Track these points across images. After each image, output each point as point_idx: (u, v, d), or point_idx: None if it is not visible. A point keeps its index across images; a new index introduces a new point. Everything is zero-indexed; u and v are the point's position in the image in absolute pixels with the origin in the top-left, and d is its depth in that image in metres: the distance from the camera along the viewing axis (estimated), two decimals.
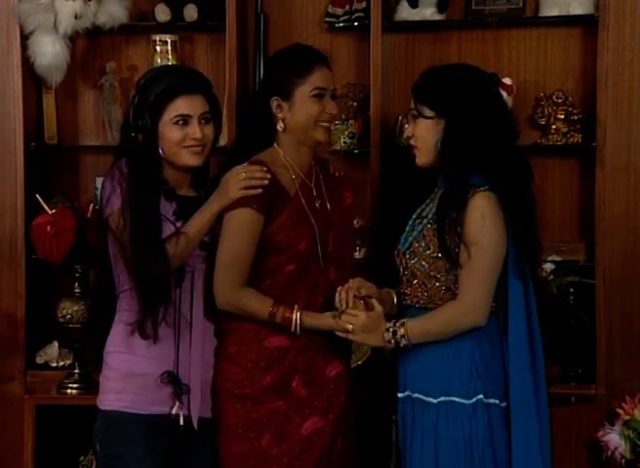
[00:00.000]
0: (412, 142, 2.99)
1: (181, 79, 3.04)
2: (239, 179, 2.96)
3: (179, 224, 2.98)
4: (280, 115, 3.07)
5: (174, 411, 2.94)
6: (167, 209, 3.00)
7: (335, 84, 4.03)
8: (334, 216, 3.13)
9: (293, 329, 2.99)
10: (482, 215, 2.85)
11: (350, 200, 3.22)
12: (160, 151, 2.99)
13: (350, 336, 2.95)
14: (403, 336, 2.92)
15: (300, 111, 3.06)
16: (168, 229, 2.97)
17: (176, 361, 2.97)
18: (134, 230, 2.89)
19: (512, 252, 2.89)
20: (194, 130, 2.99)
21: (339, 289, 3.00)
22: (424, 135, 2.94)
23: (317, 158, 3.21)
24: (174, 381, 2.95)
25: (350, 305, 2.96)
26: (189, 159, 3.02)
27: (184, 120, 2.98)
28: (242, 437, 3.00)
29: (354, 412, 3.17)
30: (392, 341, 2.93)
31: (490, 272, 2.88)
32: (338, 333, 2.96)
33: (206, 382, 3.03)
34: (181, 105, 2.97)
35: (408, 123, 3.04)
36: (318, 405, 3.02)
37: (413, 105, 2.97)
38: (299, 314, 2.98)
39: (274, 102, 3.07)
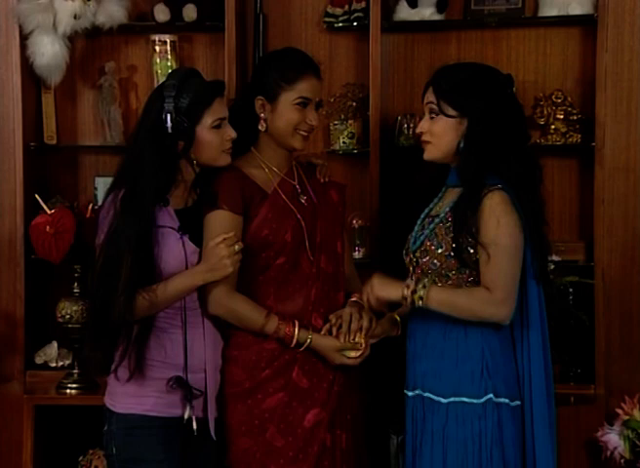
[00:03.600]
0: (424, 138, 2.98)
1: (211, 82, 3.05)
2: (223, 260, 2.91)
3: (185, 237, 2.97)
4: (262, 115, 3.09)
5: (186, 416, 2.92)
6: (167, 218, 2.97)
7: (334, 84, 4.10)
8: (321, 209, 3.14)
9: (292, 345, 3.02)
10: (496, 214, 2.84)
11: (336, 197, 3.22)
12: (192, 155, 2.97)
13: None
14: (421, 298, 2.87)
15: (281, 116, 3.08)
16: (174, 239, 2.95)
17: (186, 365, 2.95)
18: (103, 276, 2.88)
19: (528, 253, 2.89)
20: (229, 131, 3.00)
21: (331, 316, 3.06)
22: (443, 133, 2.93)
23: (304, 163, 3.22)
24: (183, 386, 2.93)
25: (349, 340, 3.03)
26: (226, 160, 3.03)
27: (220, 123, 2.98)
28: (246, 432, 3.02)
29: (361, 411, 3.17)
30: (408, 298, 2.89)
31: (512, 269, 2.86)
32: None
33: (217, 384, 3.04)
34: (218, 109, 2.98)
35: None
36: (318, 396, 3.04)
37: (433, 102, 2.94)
38: (308, 336, 3.02)
39: (258, 102, 3.09)
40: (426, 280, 2.91)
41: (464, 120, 2.90)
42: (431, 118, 2.95)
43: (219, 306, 3.00)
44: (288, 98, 3.06)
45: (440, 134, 2.94)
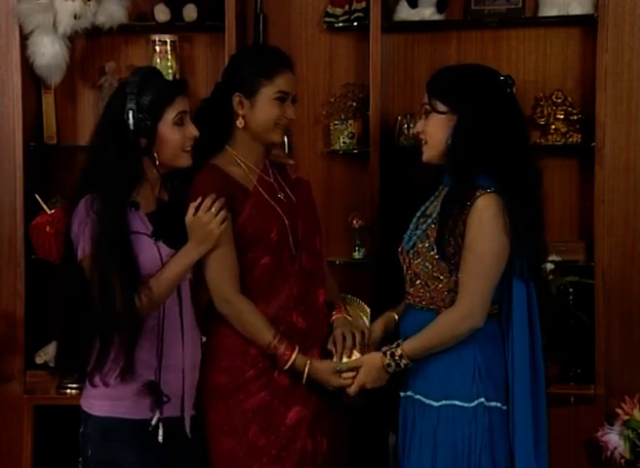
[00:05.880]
0: (421, 137, 2.98)
1: (173, 80, 3.04)
2: (207, 227, 2.93)
3: (159, 243, 2.94)
4: (241, 112, 3.08)
5: (153, 422, 2.90)
6: (139, 223, 2.93)
7: (334, 84, 4.11)
8: (299, 206, 3.14)
9: (285, 368, 3.00)
10: (481, 220, 2.83)
11: (307, 192, 3.22)
12: (155, 154, 2.95)
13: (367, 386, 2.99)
14: (401, 357, 2.92)
15: (260, 112, 3.07)
16: (148, 244, 2.92)
17: (159, 367, 2.93)
18: (103, 284, 2.83)
19: (516, 255, 2.87)
20: (191, 128, 2.98)
21: (330, 338, 3.07)
22: (435, 129, 2.93)
23: (275, 162, 3.21)
24: (153, 391, 2.91)
25: (345, 360, 3.02)
26: (186, 161, 3.00)
27: (182, 119, 2.97)
28: (229, 433, 3.01)
29: (344, 417, 3.17)
30: (393, 364, 2.93)
31: (485, 276, 2.86)
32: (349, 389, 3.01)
33: (195, 385, 3.03)
34: (180, 105, 2.96)
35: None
36: (300, 394, 3.03)
37: (426, 100, 2.95)
38: (306, 362, 3.01)
39: (236, 98, 3.07)
40: (398, 341, 2.95)
41: (454, 116, 2.89)
42: (426, 117, 2.96)
43: (229, 307, 3.00)
44: (267, 93, 3.05)
45: (432, 131, 2.94)
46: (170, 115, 2.94)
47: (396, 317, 3.12)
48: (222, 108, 3.10)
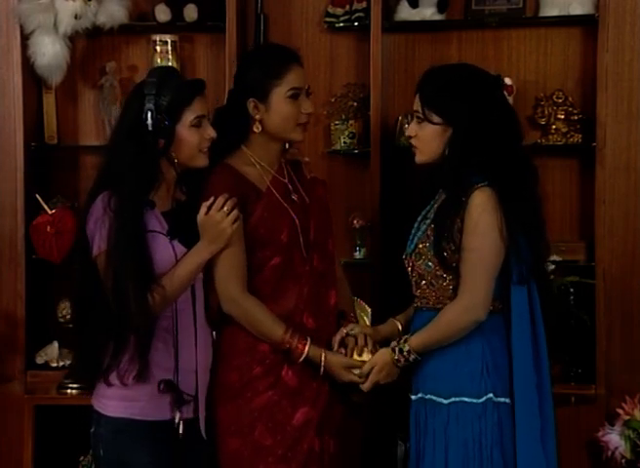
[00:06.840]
0: (412, 142, 2.98)
1: (191, 80, 3.03)
2: (219, 226, 2.92)
3: (175, 242, 2.94)
4: (257, 116, 3.06)
5: (176, 420, 2.91)
6: (155, 222, 2.94)
7: (335, 84, 4.11)
8: (312, 207, 3.13)
9: (300, 360, 3.00)
10: (478, 214, 2.84)
11: (322, 193, 3.21)
12: (172, 154, 2.95)
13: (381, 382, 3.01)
14: (409, 352, 2.93)
15: (276, 113, 3.05)
16: (164, 243, 2.92)
17: (177, 368, 2.93)
18: (117, 281, 2.82)
19: (514, 260, 2.87)
20: (209, 130, 2.97)
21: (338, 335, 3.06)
22: (429, 139, 2.92)
23: (290, 160, 3.20)
24: (173, 390, 2.91)
25: (356, 357, 3.02)
26: (203, 161, 2.99)
27: (200, 121, 2.97)
28: (235, 432, 3.00)
29: (352, 418, 3.17)
30: (402, 359, 2.94)
31: (485, 270, 2.86)
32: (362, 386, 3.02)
33: (207, 385, 3.02)
34: (198, 107, 2.95)
35: (409, 121, 3.03)
36: (308, 395, 3.03)
37: (419, 109, 2.93)
38: (321, 352, 3.00)
39: (251, 104, 3.05)
40: (405, 336, 2.96)
41: (449, 128, 2.89)
42: (419, 122, 2.95)
43: (235, 306, 2.99)
44: (280, 93, 3.04)
45: (426, 140, 2.94)
46: (188, 117, 2.93)
47: (400, 327, 3.11)
48: (238, 115, 3.08)
